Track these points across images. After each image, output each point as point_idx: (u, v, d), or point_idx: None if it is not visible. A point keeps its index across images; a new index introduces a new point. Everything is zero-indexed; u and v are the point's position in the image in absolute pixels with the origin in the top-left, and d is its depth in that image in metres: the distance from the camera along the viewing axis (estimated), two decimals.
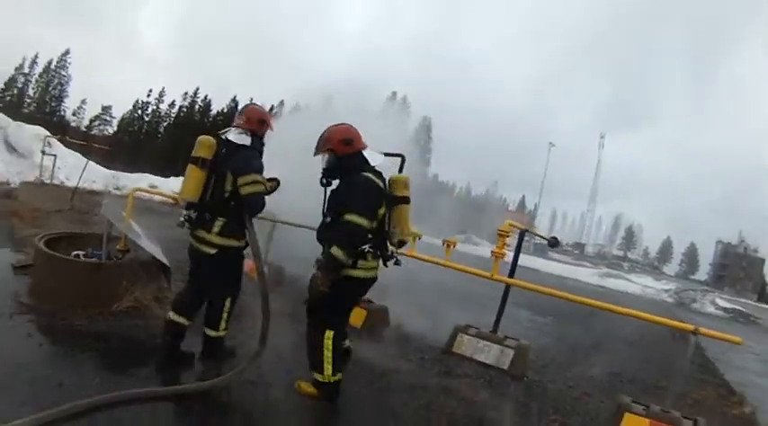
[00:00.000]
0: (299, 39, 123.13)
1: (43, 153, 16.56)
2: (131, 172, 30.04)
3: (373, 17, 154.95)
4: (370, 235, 3.71)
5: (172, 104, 66.60)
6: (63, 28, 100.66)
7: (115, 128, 66.32)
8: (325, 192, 3.94)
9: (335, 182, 3.91)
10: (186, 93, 66.93)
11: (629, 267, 73.54)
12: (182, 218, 3.92)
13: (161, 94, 66.00)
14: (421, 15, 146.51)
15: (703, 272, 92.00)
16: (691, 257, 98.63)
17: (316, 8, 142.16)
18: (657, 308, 19.50)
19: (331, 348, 3.80)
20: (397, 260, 4.03)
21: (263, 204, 3.99)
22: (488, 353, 5.72)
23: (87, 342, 4.22)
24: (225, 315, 4.12)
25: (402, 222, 4.00)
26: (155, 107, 66.18)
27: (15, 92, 61.29)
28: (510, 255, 6.16)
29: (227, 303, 4.12)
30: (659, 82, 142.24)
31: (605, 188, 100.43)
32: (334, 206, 3.77)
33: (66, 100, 64.23)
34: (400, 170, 6.04)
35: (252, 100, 60.08)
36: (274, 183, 4.30)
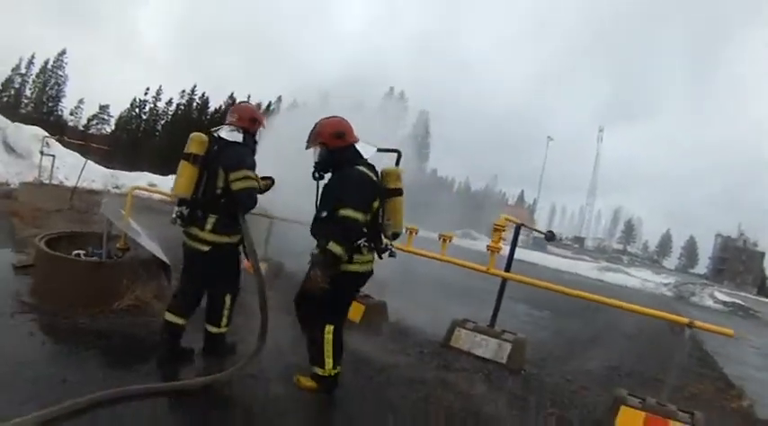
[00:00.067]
0: (296, 37, 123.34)
1: (42, 153, 16.56)
2: (130, 170, 29.98)
3: (372, 15, 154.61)
4: (365, 229, 3.72)
5: (169, 102, 66.28)
6: (59, 28, 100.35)
7: (113, 127, 66.18)
8: (318, 186, 3.93)
9: (327, 176, 3.91)
10: (184, 91, 66.61)
11: (629, 261, 73.39)
12: (174, 215, 3.94)
13: (158, 93, 65.69)
14: (420, 12, 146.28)
15: (703, 266, 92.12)
16: (690, 251, 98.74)
17: (314, 6, 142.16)
18: (656, 302, 19.57)
19: (331, 342, 3.84)
20: (391, 252, 4.04)
21: (255, 200, 4.01)
22: (486, 347, 5.76)
23: (89, 340, 4.26)
24: (226, 311, 4.16)
25: (396, 214, 4.01)
26: (152, 105, 65.87)
27: (12, 92, 60.97)
28: (506, 249, 6.19)
29: (228, 299, 4.15)
30: (657, 75, 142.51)
31: (604, 182, 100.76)
32: (329, 200, 3.76)
33: (63, 100, 63.98)
34: (396, 166, 6.07)
35: (249, 97, 60.33)
36: (269, 182, 4.33)
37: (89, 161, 17.15)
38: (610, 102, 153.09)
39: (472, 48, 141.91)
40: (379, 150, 6.05)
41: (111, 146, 45.89)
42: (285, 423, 3.68)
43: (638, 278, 36.93)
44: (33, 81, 62.36)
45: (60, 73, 63.10)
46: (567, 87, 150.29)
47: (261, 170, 4.19)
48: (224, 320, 4.17)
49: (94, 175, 22.02)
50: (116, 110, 66.24)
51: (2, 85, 60.62)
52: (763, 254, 79.41)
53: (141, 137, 62.92)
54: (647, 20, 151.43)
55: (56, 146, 20.38)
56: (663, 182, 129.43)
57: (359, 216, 3.59)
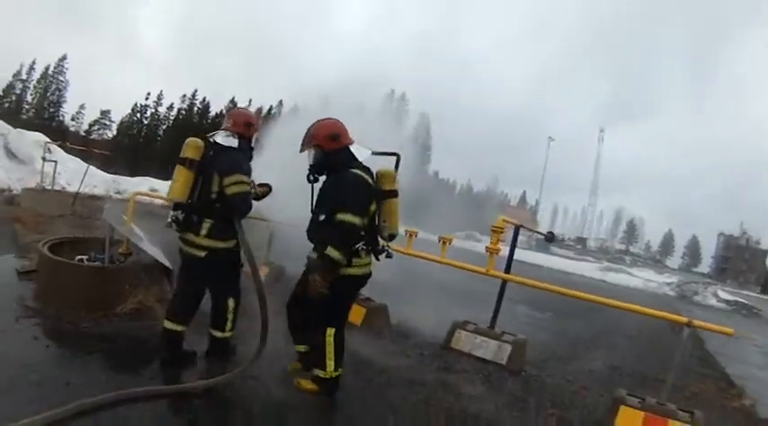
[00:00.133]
0: (297, 40, 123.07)
1: (44, 159, 16.53)
2: (132, 176, 30.10)
3: (372, 17, 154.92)
4: (362, 233, 3.72)
5: (170, 107, 66.46)
6: (59, 33, 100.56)
7: (114, 133, 66.26)
8: (313, 189, 3.94)
9: (322, 178, 3.91)
10: (185, 96, 66.80)
11: (632, 261, 73.37)
12: (169, 219, 3.95)
13: (159, 97, 65.84)
14: (420, 14, 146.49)
15: (706, 265, 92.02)
16: (693, 250, 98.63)
17: (314, 9, 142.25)
18: (658, 302, 19.57)
19: (333, 344, 3.86)
20: (388, 253, 4.05)
21: (250, 204, 4.02)
22: (486, 349, 5.78)
23: (93, 343, 4.30)
24: (230, 315, 4.17)
25: (391, 216, 4.01)
26: (153, 110, 66.07)
27: (14, 98, 61.18)
28: (505, 251, 6.20)
29: (231, 303, 4.16)
30: (658, 75, 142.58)
31: (606, 182, 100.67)
32: (325, 204, 3.76)
33: (64, 105, 64.13)
34: (395, 169, 6.09)
35: (250, 102, 60.63)
36: (266, 189, 4.36)
37: (91, 166, 17.18)
38: (610, 102, 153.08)
39: (472, 49, 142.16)
40: (378, 153, 6.08)
41: (112, 151, 45.84)
42: (286, 425, 3.71)
43: (641, 278, 36.91)
44: (34, 86, 62.52)
45: (61, 78, 63.35)
46: (568, 87, 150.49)
47: (265, 175, 4.21)
48: (228, 324, 4.18)
49: (96, 181, 22.10)
50: (117, 116, 66.47)
51: (3, 91, 60.78)
52: (765, 252, 79.13)
53: (143, 143, 62.99)
54: (646, 19, 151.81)
55: (58, 152, 20.40)
56: (664, 182, 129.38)
57: (357, 220, 3.58)
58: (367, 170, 3.87)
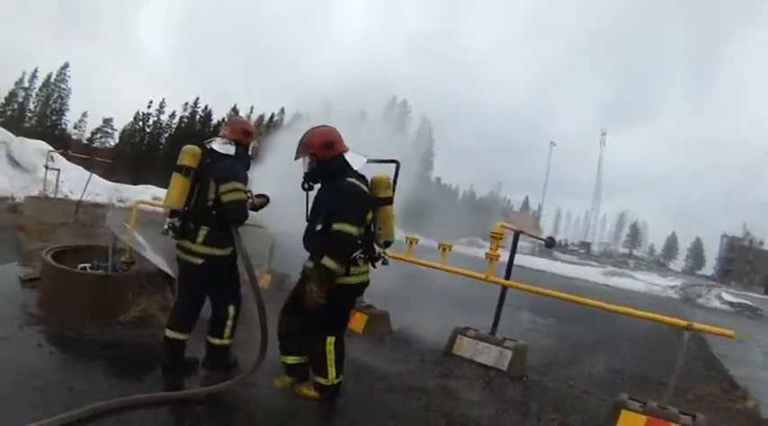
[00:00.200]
0: (298, 47, 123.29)
1: (46, 167, 16.63)
2: (134, 184, 30.21)
3: (372, 23, 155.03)
4: (359, 241, 3.71)
5: (172, 115, 66.59)
6: (61, 41, 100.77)
7: (117, 141, 66.37)
8: (307, 197, 3.93)
9: (317, 186, 3.91)
10: (187, 104, 66.92)
11: (635, 264, 73.29)
12: (165, 226, 3.95)
13: (161, 105, 65.90)
14: (420, 19, 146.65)
15: (710, 267, 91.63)
16: (696, 252, 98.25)
17: (314, 16, 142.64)
18: (661, 305, 19.51)
19: (333, 352, 3.87)
20: (384, 260, 4.04)
21: (246, 212, 4.01)
22: (487, 355, 5.78)
23: (96, 350, 4.35)
24: (229, 322, 4.14)
25: (387, 223, 4.02)
26: (155, 118, 66.20)
27: (16, 106, 61.41)
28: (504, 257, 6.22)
29: (231, 311, 4.14)
30: (659, 76, 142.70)
31: (608, 185, 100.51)
32: (321, 213, 3.74)
33: (66, 113, 64.30)
34: (395, 176, 6.09)
35: (252, 109, 60.79)
36: (263, 200, 4.37)
37: (93, 174, 17.22)
38: (612, 104, 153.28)
39: (473, 54, 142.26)
40: (378, 161, 6.11)
41: (115, 159, 45.98)
42: None
43: (644, 281, 36.76)
44: (37, 95, 62.65)
45: (63, 86, 63.47)
46: (569, 90, 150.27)
47: (269, 183, 4.21)
48: (226, 331, 4.15)
49: (99, 189, 22.17)
50: (120, 124, 66.51)
51: (5, 100, 61.01)
52: None
53: (145, 151, 63.06)
54: (646, 20, 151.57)
55: (60, 160, 20.49)
56: (667, 184, 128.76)
57: (353, 230, 3.58)
58: (362, 178, 3.86)
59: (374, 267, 4.03)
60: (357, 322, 6.34)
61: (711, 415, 5.14)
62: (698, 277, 73.09)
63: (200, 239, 3.92)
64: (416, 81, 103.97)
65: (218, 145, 4.08)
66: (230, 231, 3.97)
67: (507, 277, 6.04)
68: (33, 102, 62.77)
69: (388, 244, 4.09)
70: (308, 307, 3.67)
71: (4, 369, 3.70)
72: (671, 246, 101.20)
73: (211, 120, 65.70)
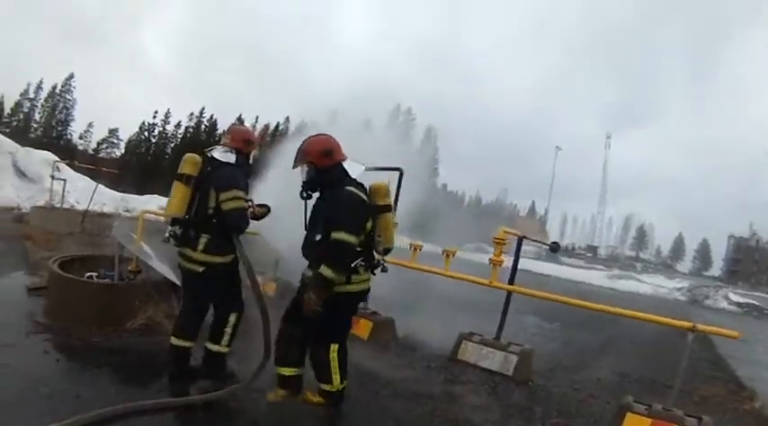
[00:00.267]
0: (302, 56, 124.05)
1: (53, 177, 16.74)
2: (140, 194, 30.32)
3: (376, 31, 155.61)
4: (359, 249, 3.71)
5: (178, 125, 66.96)
6: (66, 52, 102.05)
7: (123, 151, 66.74)
8: (306, 206, 3.93)
9: (315, 195, 3.91)
10: (192, 114, 67.29)
11: (642, 267, 72.96)
12: (167, 234, 3.97)
13: (167, 115, 66.30)
14: (423, 26, 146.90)
15: (717, 268, 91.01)
16: (703, 253, 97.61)
17: (318, 25, 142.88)
18: (667, 307, 19.44)
19: (337, 359, 3.87)
20: (383, 267, 4.03)
21: (247, 220, 4.02)
22: (492, 360, 5.77)
23: (103, 358, 4.38)
24: (228, 329, 4.10)
25: (386, 230, 3.99)
26: (161, 128, 66.51)
27: (21, 117, 61.84)
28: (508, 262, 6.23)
29: (233, 318, 4.11)
30: (662, 78, 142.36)
31: (614, 188, 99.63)
32: (320, 222, 3.73)
33: (72, 123, 64.68)
34: (399, 183, 6.12)
35: (257, 118, 60.95)
36: (264, 210, 4.37)
37: (100, 185, 17.34)
38: (616, 108, 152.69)
39: (477, 62, 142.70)
40: (381, 169, 6.14)
41: (121, 169, 46.27)
42: None
43: (651, 284, 36.70)
44: (42, 105, 63.14)
45: (68, 97, 63.98)
46: (572, 95, 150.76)
47: (274, 192, 4.21)
48: (225, 338, 4.11)
49: (105, 199, 22.28)
50: (125, 134, 66.96)
51: (11, 110, 61.46)
52: None
53: (151, 161, 63.28)
54: (647, 21, 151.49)
55: (66, 171, 20.65)
56: (673, 186, 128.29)
57: (353, 239, 3.57)
58: (361, 186, 3.85)
59: (374, 274, 4.02)
60: (362, 328, 6.36)
61: (718, 417, 5.12)
62: (705, 278, 72.61)
63: (200, 247, 3.92)
64: (421, 88, 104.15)
65: (218, 153, 4.09)
66: (231, 239, 3.97)
67: (511, 282, 6.05)
68: (39, 113, 63.32)
69: (387, 251, 4.07)
70: (306, 316, 3.66)
71: (10, 377, 3.74)
72: (678, 248, 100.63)
73: (217, 130, 65.80)
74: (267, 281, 7.63)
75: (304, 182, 3.89)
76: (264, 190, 7.32)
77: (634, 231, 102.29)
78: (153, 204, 21.59)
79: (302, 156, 3.88)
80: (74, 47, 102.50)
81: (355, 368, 4.34)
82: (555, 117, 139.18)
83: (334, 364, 3.86)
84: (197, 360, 4.21)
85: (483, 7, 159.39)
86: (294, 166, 3.94)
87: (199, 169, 4.00)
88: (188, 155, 4.09)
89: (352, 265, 3.71)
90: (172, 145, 65.83)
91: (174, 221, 3.99)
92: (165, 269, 5.70)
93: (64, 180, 16.74)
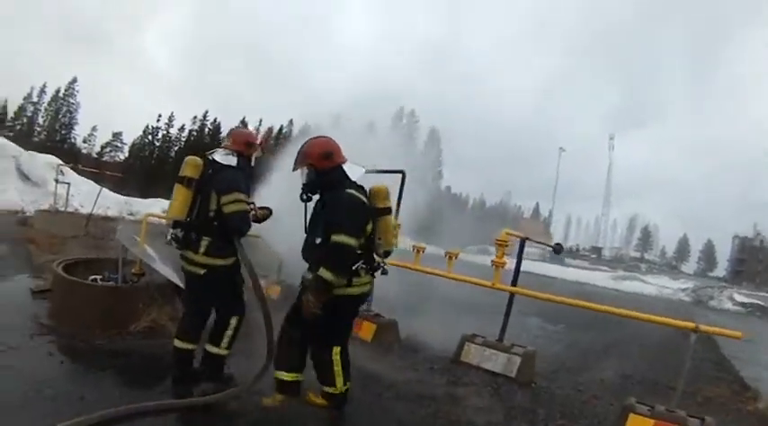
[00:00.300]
0: (306, 59, 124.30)
1: (57, 181, 16.82)
2: (144, 197, 30.42)
3: (378, 34, 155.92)
4: (359, 251, 3.69)
5: (182, 128, 67.08)
6: (69, 56, 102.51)
7: (126, 155, 66.88)
8: (305, 208, 3.92)
9: (315, 197, 3.90)
10: (195, 117, 67.44)
11: (647, 268, 72.82)
12: (169, 237, 3.98)
13: (170, 119, 66.45)
14: (425, 28, 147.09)
15: (722, 269, 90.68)
16: (708, 254, 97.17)
17: (321, 28, 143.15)
18: (672, 308, 19.41)
19: (340, 362, 3.87)
20: (383, 270, 4.02)
21: (248, 223, 4.01)
22: (495, 361, 5.77)
23: (107, 360, 4.41)
24: (230, 332, 4.08)
25: (386, 233, 3.99)
26: (165, 132, 66.68)
27: (25, 121, 62.06)
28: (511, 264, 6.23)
29: (234, 321, 4.10)
30: (664, 79, 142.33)
31: (618, 190, 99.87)
32: (320, 225, 3.72)
33: (76, 127, 64.90)
34: (401, 186, 6.13)
35: (261, 121, 61.09)
36: (266, 212, 4.35)
37: (104, 188, 17.39)
38: (618, 108, 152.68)
39: (479, 64, 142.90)
40: (384, 171, 6.15)
41: (125, 173, 46.41)
42: None
43: (655, 285, 36.70)
44: (45, 109, 63.37)
45: (72, 100, 64.19)
46: (575, 96, 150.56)
47: (265, 199, 4.21)
48: (225, 341, 4.09)
49: (109, 202, 22.35)
50: (129, 137, 67.11)
51: (14, 114, 61.67)
52: None
53: (155, 164, 63.36)
54: (648, 20, 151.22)
55: (70, 174, 20.69)
56: (677, 187, 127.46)
57: (352, 242, 3.55)
58: (361, 189, 3.84)
59: (373, 277, 4.02)
60: (366, 331, 6.38)
61: (721, 417, 5.12)
62: (710, 278, 72.41)
63: (201, 249, 3.92)
64: (424, 90, 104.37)
65: (219, 156, 4.09)
66: (232, 241, 3.97)
67: (514, 284, 6.06)
68: (42, 117, 63.52)
69: (387, 253, 4.07)
70: (305, 318, 3.67)
71: (15, 379, 3.77)
72: (683, 249, 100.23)
73: (220, 133, 65.83)
74: (271, 284, 7.63)
75: (304, 185, 3.88)
76: (268, 193, 7.34)
77: (639, 232, 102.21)
78: (157, 207, 21.72)
79: (302, 159, 3.87)
80: (77, 51, 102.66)
81: (358, 370, 4.34)
82: (558, 118, 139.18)
83: (337, 367, 3.86)
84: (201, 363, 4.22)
85: (484, 8, 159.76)
86: (294, 168, 3.93)
87: (200, 172, 4.01)
88: (189, 157, 4.09)
89: (354, 268, 3.71)
90: (176, 148, 65.83)
91: (176, 224, 4.00)
92: (168, 271, 5.72)
93: (68, 183, 16.80)
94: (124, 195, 27.27)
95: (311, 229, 3.86)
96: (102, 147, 66.35)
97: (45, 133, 62.38)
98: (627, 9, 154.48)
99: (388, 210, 4.04)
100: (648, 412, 4.28)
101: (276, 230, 5.76)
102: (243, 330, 4.23)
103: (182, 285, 5.43)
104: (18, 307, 5.63)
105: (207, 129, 67.20)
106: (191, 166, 4.00)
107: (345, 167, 3.85)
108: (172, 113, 66.83)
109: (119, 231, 6.63)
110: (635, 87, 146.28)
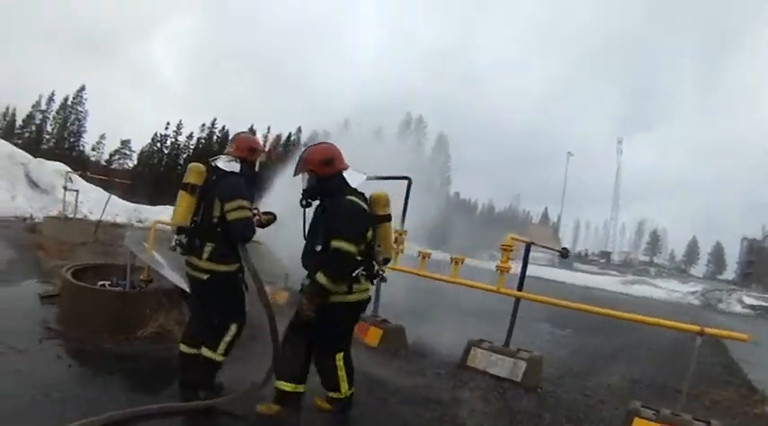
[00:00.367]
0: (314, 66, 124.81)
1: (65, 188, 16.91)
2: (152, 204, 30.53)
3: (386, 40, 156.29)
4: (359, 258, 3.70)
5: (190, 136, 67.33)
6: (77, 64, 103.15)
7: (135, 162, 67.17)
8: (305, 214, 3.94)
9: (315, 203, 3.91)
10: (204, 125, 67.67)
11: (656, 272, 72.48)
12: (173, 243, 4.00)
13: (179, 127, 66.70)
14: (432, 33, 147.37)
15: (731, 271, 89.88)
16: (717, 257, 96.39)
17: (329, 36, 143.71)
18: (680, 311, 19.32)
19: (344, 368, 3.89)
20: (382, 277, 4.03)
21: (253, 229, 3.99)
22: (501, 366, 5.77)
23: (114, 364, 4.45)
24: (227, 338, 4.02)
25: (385, 240, 4.00)
26: (173, 139, 66.92)
27: (34, 128, 62.49)
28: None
29: (233, 328, 4.04)
30: (671, 82, 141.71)
31: (627, 193, 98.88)
32: (320, 231, 3.73)
33: (84, 135, 65.26)
34: (407, 193, 6.14)
35: (269, 128, 61.24)
36: (270, 217, 4.35)
37: (112, 195, 17.49)
38: (627, 112, 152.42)
39: (486, 70, 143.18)
40: (390, 178, 6.17)
41: (133, 180, 46.61)
42: None
43: (664, 288, 36.53)
44: (54, 117, 63.79)
45: (80, 109, 64.58)
46: (583, 100, 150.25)
47: (269, 205, 4.22)
48: (221, 347, 4.00)
49: (118, 209, 22.51)
50: (137, 145, 67.42)
51: (23, 122, 62.16)
52: None
53: (163, 172, 63.54)
54: (656, 22, 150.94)
55: (79, 181, 20.83)
56: (685, 190, 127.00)
57: (352, 248, 3.57)
58: (361, 195, 3.86)
59: (373, 284, 4.03)
60: (372, 336, 6.40)
61: (727, 421, 5.10)
62: (719, 281, 71.67)
63: (205, 255, 3.93)
64: (431, 95, 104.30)
65: (222, 162, 4.11)
66: (236, 248, 3.97)
67: (520, 288, 6.06)
68: (51, 125, 63.97)
69: (386, 261, 4.08)
70: (308, 326, 3.69)
71: (23, 382, 3.82)
72: (692, 252, 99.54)
73: (228, 141, 66.05)
74: (278, 291, 7.64)
75: (304, 190, 3.90)
76: (273, 199, 7.36)
77: (647, 236, 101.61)
78: (165, 214, 21.61)
79: (303, 165, 3.89)
80: (85, 59, 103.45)
81: (364, 375, 4.35)
82: (566, 122, 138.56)
83: (341, 372, 3.88)
84: None
85: (492, 13, 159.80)
86: (295, 174, 3.96)
87: (203, 178, 4.02)
88: (193, 164, 4.11)
89: (354, 274, 3.72)
90: (184, 156, 65.90)
91: (180, 230, 4.03)
92: (176, 277, 5.74)
93: (77, 190, 16.88)
94: (133, 202, 27.41)
95: (311, 236, 3.86)
96: (111, 155, 66.78)
97: (54, 141, 62.78)
98: (635, 13, 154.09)
99: (388, 217, 4.05)
100: (654, 416, 4.27)
101: (280, 236, 5.78)
102: (248, 333, 4.25)
103: (188, 290, 5.48)
104: (27, 312, 5.69)
105: (215, 137, 67.36)
106: (194, 173, 4.02)
107: (346, 174, 3.85)
108: (180, 121, 67.20)
109: (127, 237, 6.66)
110: (642, 90, 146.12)
